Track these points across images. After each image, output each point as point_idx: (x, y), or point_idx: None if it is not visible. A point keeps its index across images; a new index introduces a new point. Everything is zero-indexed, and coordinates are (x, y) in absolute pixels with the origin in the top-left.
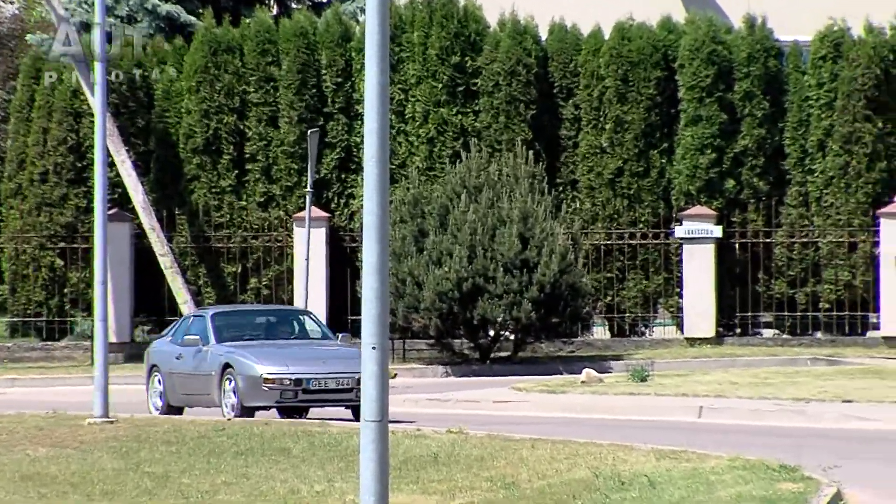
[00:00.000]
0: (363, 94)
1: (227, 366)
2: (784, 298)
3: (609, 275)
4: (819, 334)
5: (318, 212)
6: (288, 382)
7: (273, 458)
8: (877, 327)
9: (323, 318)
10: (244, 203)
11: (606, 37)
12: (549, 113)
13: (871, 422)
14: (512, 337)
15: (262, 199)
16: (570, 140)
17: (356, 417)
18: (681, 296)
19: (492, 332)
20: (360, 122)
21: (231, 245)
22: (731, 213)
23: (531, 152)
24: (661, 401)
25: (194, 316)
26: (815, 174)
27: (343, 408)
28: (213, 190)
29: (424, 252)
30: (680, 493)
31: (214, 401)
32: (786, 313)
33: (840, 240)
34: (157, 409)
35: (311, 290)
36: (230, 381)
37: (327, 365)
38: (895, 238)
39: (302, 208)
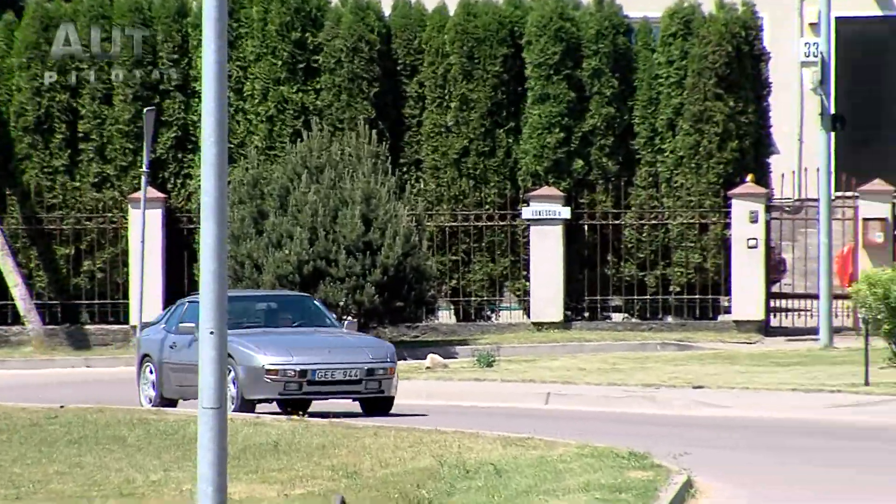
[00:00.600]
0: (200, 72)
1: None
2: (634, 281)
3: (454, 257)
4: (669, 318)
5: (153, 192)
6: (292, 374)
7: (108, 446)
8: (728, 311)
9: (159, 302)
10: (77, 183)
11: (451, 13)
12: (393, 91)
13: (722, 408)
14: (355, 321)
15: (96, 180)
16: (415, 119)
17: (366, 411)
18: (528, 279)
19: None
20: (197, 100)
21: (64, 227)
22: (579, 194)
23: (374, 131)
24: (508, 387)
25: (189, 301)
26: (666, 154)
27: (351, 400)
28: (46, 170)
29: (264, 234)
30: (527, 481)
31: None
32: (635, 297)
33: (691, 221)
34: (150, 402)
35: (147, 272)
36: (230, 372)
37: (334, 354)
38: (746, 220)
39: (137, 189)
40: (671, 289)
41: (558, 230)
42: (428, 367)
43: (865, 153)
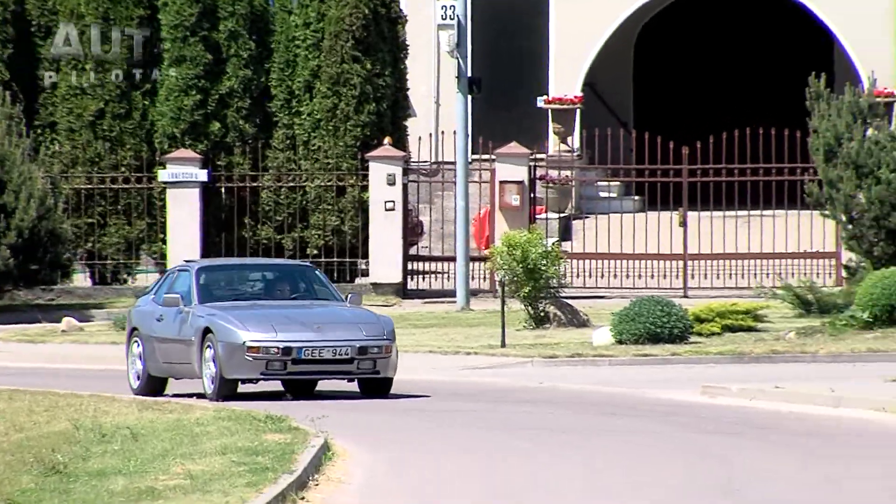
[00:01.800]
0: None
1: (207, 331)
2: (272, 244)
3: (90, 220)
4: None
5: None
6: (275, 351)
7: None
8: (366, 274)
9: None
10: None
11: None
12: (27, 53)
13: None
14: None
15: None
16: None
17: (364, 392)
18: (165, 242)
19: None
20: None
21: None
22: (216, 157)
23: (8, 93)
24: None
25: (179, 270)
26: (303, 117)
27: (346, 381)
28: None
29: None
30: (163, 445)
31: (195, 371)
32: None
33: (328, 184)
34: (138, 379)
35: None
36: (209, 349)
37: (323, 331)
38: (384, 183)
39: None
40: (308, 251)
41: (195, 193)
42: (63, 331)
43: (502, 116)
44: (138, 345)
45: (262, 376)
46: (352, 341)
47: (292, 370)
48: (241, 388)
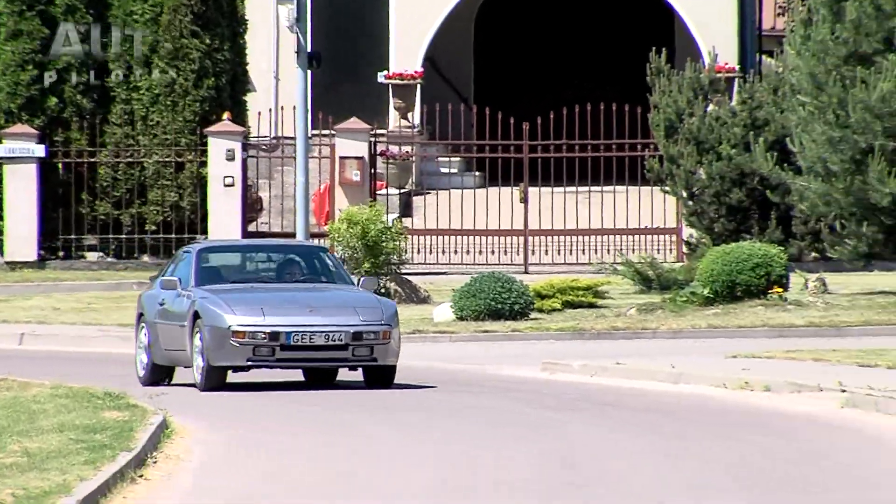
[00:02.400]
0: None
1: (196, 315)
2: (109, 220)
3: None
4: (146, 257)
5: None
6: (262, 336)
7: None
8: None
9: None
10: None
11: None
12: None
13: None
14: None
15: None
16: None
17: (368, 382)
18: (1, 218)
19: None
20: None
21: None
22: (54, 132)
23: None
24: None
25: (184, 251)
26: (141, 92)
27: (348, 368)
28: None
29: None
30: (0, 422)
31: (189, 358)
32: (111, 236)
33: (167, 160)
34: (144, 368)
35: None
36: (198, 334)
37: (316, 314)
38: (223, 158)
39: None
40: (147, 228)
41: (32, 168)
42: None
43: (343, 91)
44: (145, 333)
45: (248, 363)
46: (345, 326)
47: (282, 357)
48: (254, 378)
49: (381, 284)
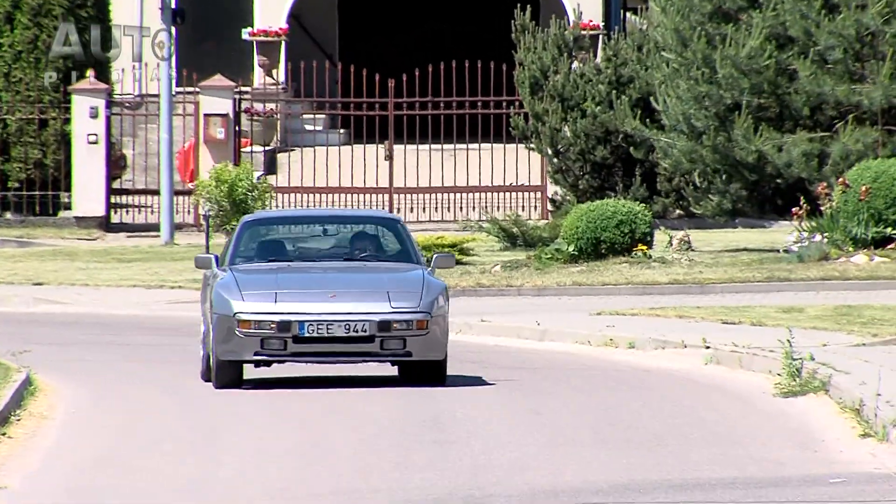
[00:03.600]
0: None
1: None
2: None
3: None
4: (9, 215)
5: None
6: (271, 326)
7: None
8: (69, 207)
9: None
10: None
11: None
12: None
13: (63, 305)
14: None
15: None
16: None
17: (404, 378)
18: None
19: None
20: None
21: None
22: None
23: None
24: None
25: (242, 222)
26: (3, 48)
27: (376, 362)
28: None
29: None
30: None
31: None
32: None
33: (31, 117)
34: (202, 360)
35: None
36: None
37: (339, 300)
38: (87, 116)
39: None
40: (10, 185)
41: None
42: None
43: (208, 49)
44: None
45: (255, 357)
46: (371, 314)
47: (295, 350)
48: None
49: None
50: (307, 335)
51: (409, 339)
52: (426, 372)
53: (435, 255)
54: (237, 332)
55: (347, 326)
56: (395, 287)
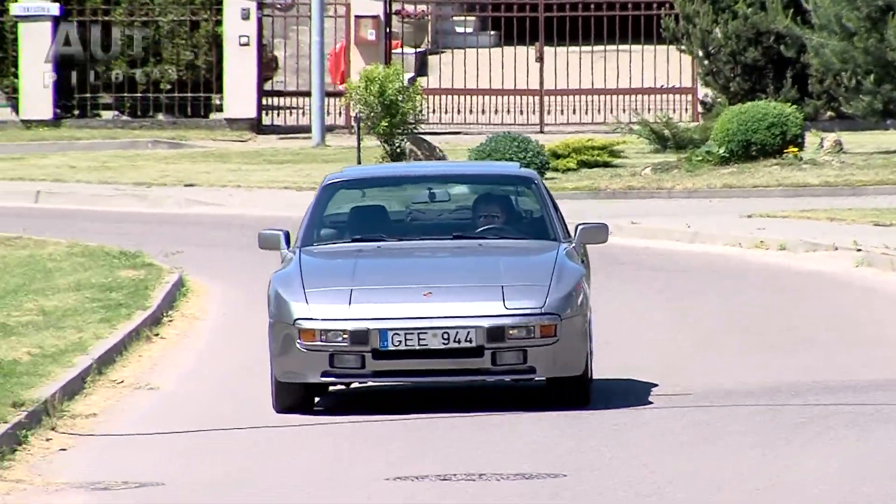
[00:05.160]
0: None
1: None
2: (124, 79)
3: None
4: (161, 116)
5: None
6: (343, 338)
7: None
8: (220, 109)
9: None
10: None
11: None
12: None
13: (215, 206)
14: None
15: None
16: None
17: (555, 395)
18: (17, 76)
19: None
20: None
21: None
22: None
23: None
24: None
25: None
26: None
27: (487, 381)
28: None
29: None
30: (16, 280)
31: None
32: (126, 94)
33: (182, 18)
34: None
35: None
36: None
37: (435, 299)
38: (239, 17)
39: None
40: (162, 86)
41: (47, 27)
42: None
43: None
44: None
45: (322, 378)
46: (477, 318)
47: (376, 369)
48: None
49: (398, 144)
50: (392, 348)
51: (531, 351)
52: (562, 391)
53: (580, 227)
54: (298, 345)
55: (446, 336)
56: (514, 278)
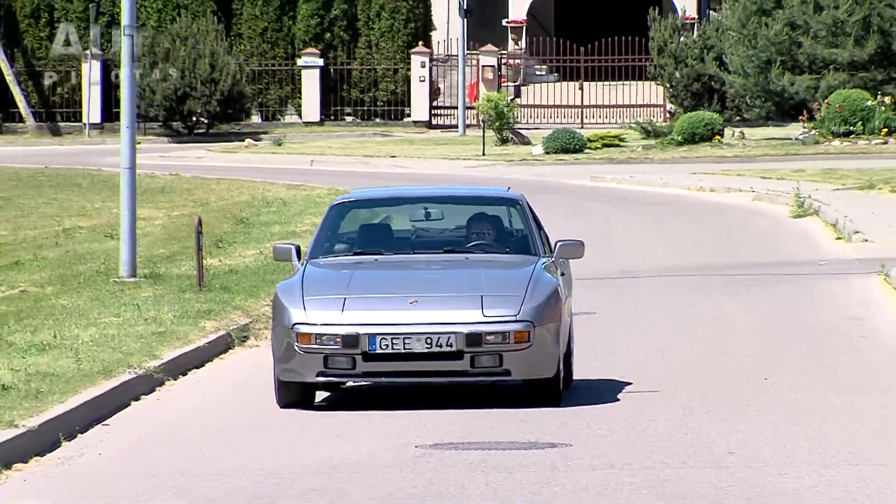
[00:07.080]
0: None
1: None
2: (358, 99)
3: (260, 86)
4: (377, 119)
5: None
6: (335, 342)
7: (70, 189)
8: (408, 115)
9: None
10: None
11: None
12: None
13: (407, 168)
14: (206, 121)
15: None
16: (236, 10)
17: (526, 393)
18: (301, 98)
19: (195, 119)
20: None
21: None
22: (328, 52)
23: (214, 17)
24: (289, 157)
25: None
26: (375, 31)
27: (466, 383)
28: (36, 38)
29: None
30: (300, 207)
31: None
32: (359, 108)
33: (388, 66)
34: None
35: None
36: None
37: (420, 307)
38: (419, 66)
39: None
40: (378, 103)
41: (317, 72)
42: (246, 146)
43: (484, 28)
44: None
45: (318, 378)
46: (457, 325)
47: (366, 370)
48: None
49: (504, 135)
50: (379, 351)
51: (506, 356)
52: (533, 391)
53: (559, 244)
54: (297, 348)
55: (429, 340)
56: (493, 289)
